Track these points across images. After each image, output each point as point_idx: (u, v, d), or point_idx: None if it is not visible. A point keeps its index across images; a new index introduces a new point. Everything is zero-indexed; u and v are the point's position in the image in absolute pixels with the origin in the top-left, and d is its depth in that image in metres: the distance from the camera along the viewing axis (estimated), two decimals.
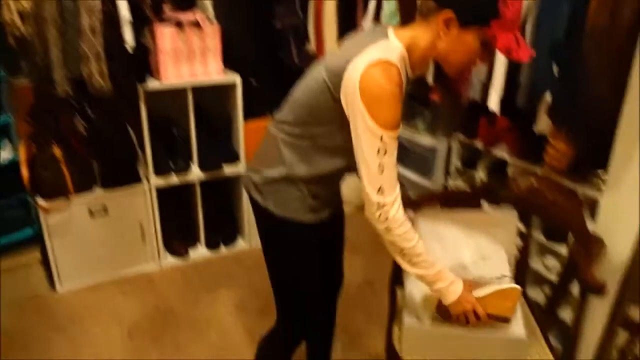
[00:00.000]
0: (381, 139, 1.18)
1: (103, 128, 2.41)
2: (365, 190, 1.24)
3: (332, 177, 1.42)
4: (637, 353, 1.92)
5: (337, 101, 1.24)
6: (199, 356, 2.15)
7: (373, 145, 1.19)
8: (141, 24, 2.29)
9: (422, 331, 1.46)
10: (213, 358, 2.15)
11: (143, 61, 2.41)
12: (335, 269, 1.73)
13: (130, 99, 2.34)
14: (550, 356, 1.49)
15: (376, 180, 1.21)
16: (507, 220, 1.69)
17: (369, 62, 1.18)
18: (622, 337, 1.80)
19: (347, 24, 2.67)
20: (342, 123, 1.25)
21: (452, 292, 1.35)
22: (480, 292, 1.39)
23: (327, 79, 1.24)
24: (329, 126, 1.30)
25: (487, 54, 1.29)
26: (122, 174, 2.53)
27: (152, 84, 2.41)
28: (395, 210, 1.24)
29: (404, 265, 1.33)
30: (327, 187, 1.44)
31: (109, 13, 2.11)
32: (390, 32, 1.26)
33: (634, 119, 1.48)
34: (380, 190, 1.22)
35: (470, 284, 1.39)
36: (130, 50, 2.21)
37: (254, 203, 1.45)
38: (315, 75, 1.30)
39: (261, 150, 1.45)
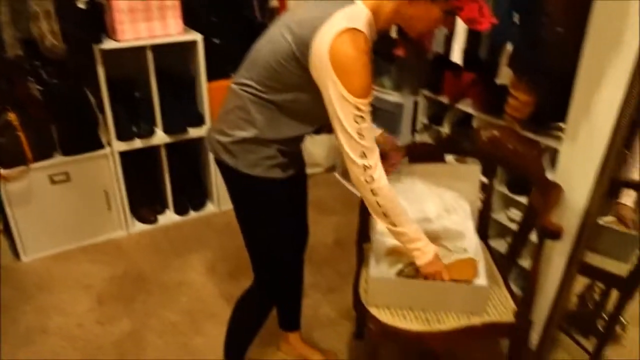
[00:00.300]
0: (357, 107, 1.20)
1: (59, 91, 2.31)
2: (349, 156, 1.26)
3: (301, 137, 1.43)
4: (596, 298, 2.00)
5: (306, 70, 1.23)
6: (171, 320, 2.16)
7: (350, 114, 1.21)
8: None
9: (387, 281, 1.50)
10: (185, 321, 2.15)
11: (98, 19, 2.31)
12: (300, 225, 1.74)
13: (86, 60, 2.25)
14: (511, 302, 1.54)
15: (358, 146, 1.24)
16: (470, 172, 1.71)
17: (337, 32, 1.17)
18: (581, 283, 1.87)
19: None
20: (310, 89, 1.26)
21: (428, 252, 1.41)
22: (444, 261, 1.47)
23: (294, 47, 1.23)
24: (297, 93, 1.30)
25: (450, 21, 1.29)
26: (83, 140, 2.46)
27: (108, 43, 2.32)
28: (379, 172, 1.29)
29: (387, 225, 1.37)
30: (295, 146, 1.46)
31: None
32: None
33: (593, 68, 1.50)
34: (363, 154, 1.25)
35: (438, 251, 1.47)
36: (83, 7, 2.12)
37: (222, 164, 1.44)
38: (279, 39, 1.27)
39: (226, 110, 1.42)
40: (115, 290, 2.34)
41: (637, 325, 1.93)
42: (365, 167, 1.26)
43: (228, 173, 1.44)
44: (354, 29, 1.18)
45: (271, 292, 1.61)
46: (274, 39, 1.29)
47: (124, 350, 2.00)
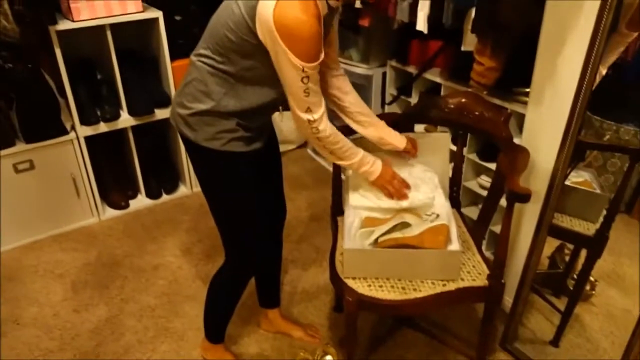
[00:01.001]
0: (303, 70, 1.22)
1: (15, 76, 2.22)
2: (295, 112, 1.32)
3: (262, 108, 1.40)
4: (565, 259, 2.06)
5: (257, 37, 1.23)
6: (149, 303, 2.14)
7: (296, 77, 1.24)
8: None
9: (361, 252, 1.51)
10: (163, 304, 2.14)
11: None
12: (276, 199, 1.73)
13: (41, 42, 2.16)
14: (485, 266, 1.57)
15: (303, 102, 1.29)
16: (440, 140, 1.72)
17: None
18: (551, 245, 1.91)
19: None
20: (265, 56, 1.26)
21: (374, 171, 1.55)
22: (415, 230, 1.51)
23: (244, 14, 1.22)
24: (253, 59, 1.29)
25: None
26: (45, 126, 2.38)
27: (64, 24, 2.22)
28: (324, 123, 1.36)
29: (334, 159, 1.49)
30: (258, 119, 1.43)
31: None
32: None
33: (554, 30, 1.50)
34: (308, 109, 1.31)
35: (387, 161, 1.61)
36: None
37: (184, 138, 1.43)
38: (232, 8, 1.25)
39: (185, 82, 1.40)
40: (90, 278, 2.30)
41: (606, 284, 2.00)
42: (309, 121, 1.33)
43: (189, 146, 1.43)
44: None
45: (240, 266, 1.60)
46: (227, 8, 1.28)
47: (102, 337, 1.98)
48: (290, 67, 1.22)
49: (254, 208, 1.49)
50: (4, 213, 2.42)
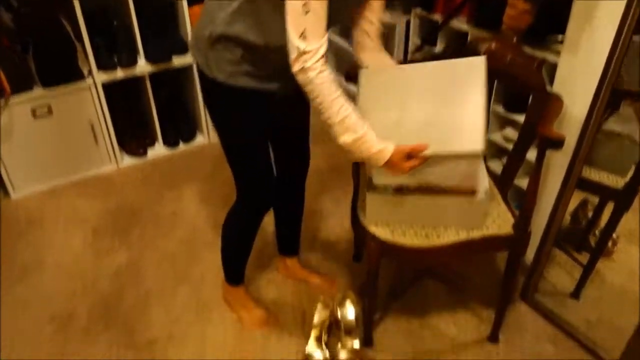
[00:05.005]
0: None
1: (32, 20, 2.18)
2: (289, 36, 1.16)
3: (265, 49, 1.32)
4: (588, 215, 2.02)
5: None
6: (168, 250, 2.16)
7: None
8: None
9: (385, 198, 1.48)
10: (182, 250, 2.15)
11: None
12: (299, 149, 1.71)
13: None
14: (510, 216, 1.54)
15: (300, 21, 1.14)
16: (475, 66, 1.39)
17: None
18: (573, 200, 1.88)
19: None
20: None
21: (379, 159, 1.29)
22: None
23: None
24: None
25: None
26: (62, 71, 2.35)
27: None
28: (316, 60, 1.17)
29: (327, 122, 1.26)
30: (263, 60, 1.35)
31: None
32: None
33: None
34: (302, 35, 1.14)
35: (401, 150, 1.28)
36: None
37: (198, 68, 1.42)
38: None
39: (202, 11, 1.37)
40: (110, 224, 2.32)
41: (627, 241, 1.97)
42: (299, 51, 1.16)
43: (201, 77, 1.41)
44: None
45: (246, 201, 1.60)
46: None
47: (123, 281, 2.01)
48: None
49: (257, 147, 1.48)
50: (25, 158, 2.43)
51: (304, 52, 1.16)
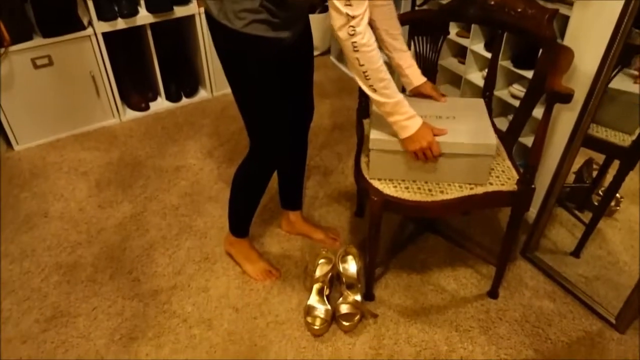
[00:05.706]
0: None
1: None
2: (334, 3, 1.19)
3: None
4: (592, 174, 2.01)
5: None
6: (172, 202, 2.17)
7: None
8: None
9: (388, 153, 1.46)
10: (186, 203, 2.16)
11: None
12: (305, 99, 1.69)
13: None
14: (514, 172, 1.53)
15: None
16: (477, 105, 1.61)
17: None
18: (578, 161, 1.86)
19: None
20: None
21: (408, 126, 1.36)
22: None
23: None
24: None
25: None
26: (62, 20, 2.30)
27: None
28: (364, 25, 1.21)
29: (366, 89, 1.32)
30: (284, 8, 1.33)
31: None
32: None
33: None
34: (348, 1, 1.17)
35: (429, 127, 1.39)
36: None
37: (207, 14, 1.38)
38: None
39: None
40: (113, 176, 2.32)
41: (630, 201, 1.96)
42: (348, 17, 1.18)
43: (211, 24, 1.37)
44: None
45: (260, 155, 1.58)
46: None
47: (127, 232, 2.03)
48: None
49: (274, 97, 1.45)
50: (27, 110, 2.41)
51: (353, 17, 1.18)
